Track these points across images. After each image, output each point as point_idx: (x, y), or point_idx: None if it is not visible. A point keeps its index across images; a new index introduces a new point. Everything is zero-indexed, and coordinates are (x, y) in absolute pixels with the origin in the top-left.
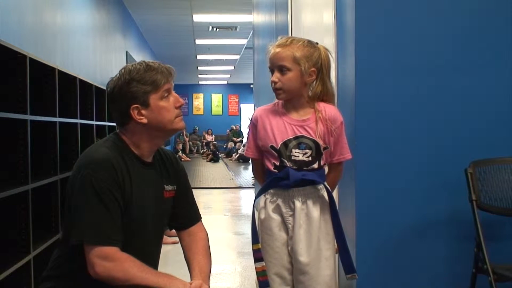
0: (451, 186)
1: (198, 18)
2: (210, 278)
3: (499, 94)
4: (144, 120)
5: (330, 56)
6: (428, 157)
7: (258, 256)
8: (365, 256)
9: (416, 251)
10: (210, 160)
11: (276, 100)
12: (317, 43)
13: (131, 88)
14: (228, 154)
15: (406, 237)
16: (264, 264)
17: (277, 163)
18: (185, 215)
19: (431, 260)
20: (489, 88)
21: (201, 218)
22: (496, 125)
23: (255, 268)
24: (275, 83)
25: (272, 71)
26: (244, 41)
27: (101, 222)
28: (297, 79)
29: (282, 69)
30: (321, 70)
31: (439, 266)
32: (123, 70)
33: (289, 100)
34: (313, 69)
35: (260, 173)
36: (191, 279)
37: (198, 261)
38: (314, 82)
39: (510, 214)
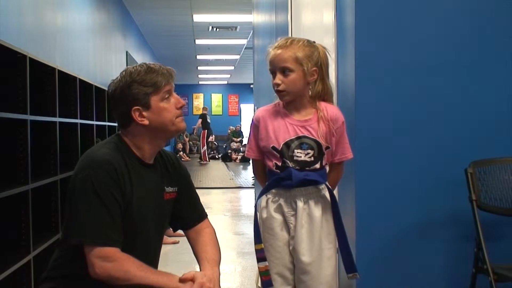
0: (451, 186)
1: (198, 18)
2: None
3: (499, 94)
4: (146, 122)
5: (328, 54)
6: (428, 157)
7: (261, 256)
8: (365, 256)
9: (416, 251)
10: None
11: (277, 100)
12: (314, 42)
13: (132, 90)
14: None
15: (406, 237)
16: (267, 264)
17: (279, 164)
18: (190, 215)
19: (431, 260)
20: (489, 88)
21: (207, 216)
22: (496, 125)
23: (258, 267)
24: (278, 85)
25: (274, 73)
26: (244, 41)
27: (101, 222)
28: (300, 80)
29: (285, 71)
30: (321, 69)
31: (439, 266)
32: (124, 72)
33: (291, 101)
34: (314, 68)
35: (261, 174)
36: (200, 269)
37: (207, 251)
38: (315, 82)
39: (510, 214)
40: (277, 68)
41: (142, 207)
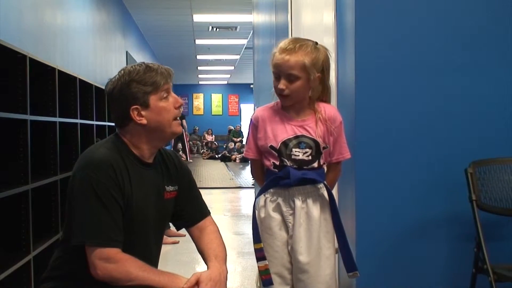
0: (451, 186)
1: (198, 18)
2: None
3: (499, 94)
4: (144, 121)
5: (329, 55)
6: (428, 157)
7: (260, 255)
8: (365, 256)
9: (416, 251)
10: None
11: (277, 100)
12: (317, 44)
13: (131, 89)
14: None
15: (406, 236)
16: (267, 262)
17: (277, 163)
18: (192, 213)
19: (431, 260)
20: (489, 88)
21: (209, 213)
22: (496, 125)
23: (258, 267)
24: (282, 90)
25: (278, 77)
26: (244, 41)
27: (102, 223)
28: (305, 87)
29: (290, 77)
30: (323, 72)
31: (439, 266)
32: (122, 72)
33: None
34: (318, 74)
35: (260, 174)
36: (207, 266)
37: (213, 248)
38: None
39: (510, 214)
40: (283, 73)
41: (142, 206)
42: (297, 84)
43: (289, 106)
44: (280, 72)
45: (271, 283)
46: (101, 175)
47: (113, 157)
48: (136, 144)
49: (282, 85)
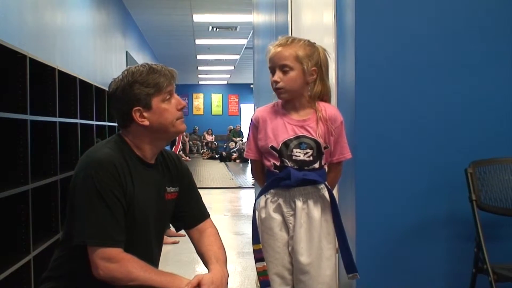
0: (451, 186)
1: (198, 18)
2: None
3: (499, 94)
4: (146, 123)
5: (328, 55)
6: (428, 157)
7: (258, 256)
8: (365, 256)
9: (416, 251)
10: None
11: (277, 100)
12: (314, 43)
13: (134, 90)
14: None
15: (406, 237)
16: (265, 264)
17: (278, 163)
18: (192, 214)
19: (431, 260)
20: (490, 88)
21: (209, 215)
22: (496, 125)
23: (256, 268)
24: (277, 82)
25: (273, 71)
26: (244, 41)
27: (104, 223)
28: (299, 79)
29: (284, 68)
30: (321, 69)
31: (439, 266)
32: (126, 72)
33: (290, 101)
34: (314, 68)
35: (260, 174)
36: (208, 269)
37: (214, 251)
38: (314, 82)
39: (510, 214)
40: (276, 65)
41: (144, 207)
42: (291, 75)
43: (289, 106)
44: (274, 64)
45: (268, 285)
46: (104, 174)
47: (116, 157)
48: (138, 145)
49: (276, 77)
